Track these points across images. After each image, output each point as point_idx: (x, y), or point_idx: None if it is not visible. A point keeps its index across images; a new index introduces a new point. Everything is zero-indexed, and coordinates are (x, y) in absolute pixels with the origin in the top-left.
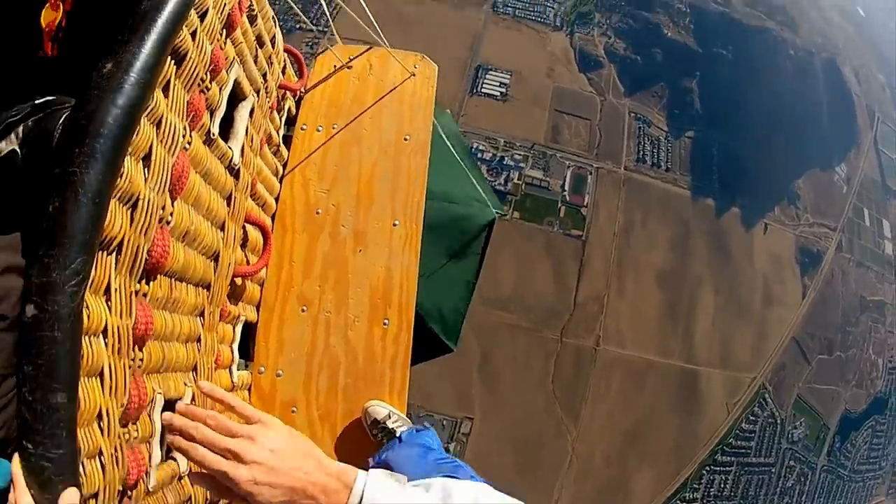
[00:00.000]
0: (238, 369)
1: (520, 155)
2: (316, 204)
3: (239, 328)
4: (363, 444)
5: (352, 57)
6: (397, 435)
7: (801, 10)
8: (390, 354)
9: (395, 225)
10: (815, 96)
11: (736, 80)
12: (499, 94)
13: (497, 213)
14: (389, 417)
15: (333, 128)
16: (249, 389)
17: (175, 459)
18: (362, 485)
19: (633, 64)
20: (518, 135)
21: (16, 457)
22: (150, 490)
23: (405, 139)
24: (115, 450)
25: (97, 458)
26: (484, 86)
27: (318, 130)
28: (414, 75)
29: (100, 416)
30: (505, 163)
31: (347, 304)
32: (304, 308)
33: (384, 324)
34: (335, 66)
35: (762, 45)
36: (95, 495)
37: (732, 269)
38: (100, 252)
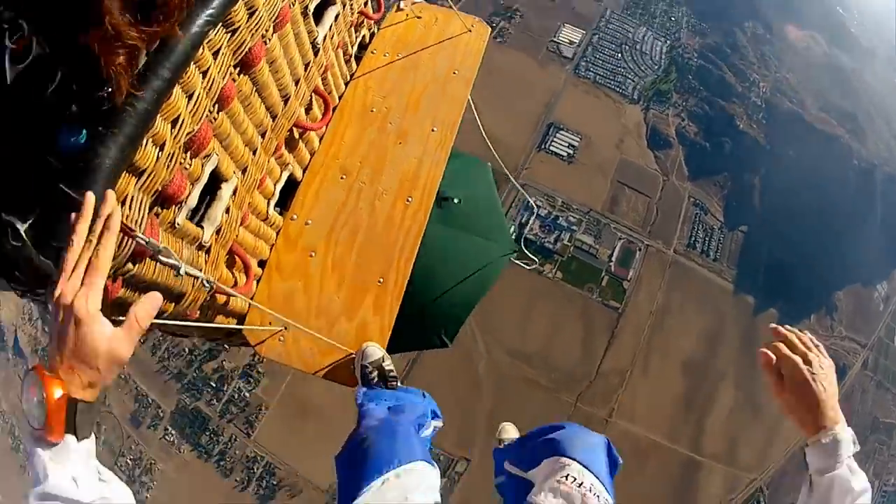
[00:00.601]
0: (273, 210)
1: (574, 218)
2: (371, 104)
3: (285, 175)
4: (358, 300)
5: (423, 11)
6: (389, 379)
7: (872, 120)
8: (407, 225)
9: (433, 130)
10: (871, 210)
11: (797, 182)
12: (566, 154)
13: (512, 251)
14: (384, 360)
15: (398, 56)
16: (279, 232)
17: (202, 228)
18: None
19: (701, 149)
20: (577, 198)
21: None
22: (176, 225)
23: (454, 73)
24: (171, 157)
25: (159, 148)
26: (553, 144)
27: (385, 56)
28: (470, 31)
29: (175, 122)
30: (559, 222)
31: (380, 180)
32: (343, 176)
33: (407, 200)
34: (408, 15)
35: (828, 151)
36: (143, 172)
37: (758, 370)
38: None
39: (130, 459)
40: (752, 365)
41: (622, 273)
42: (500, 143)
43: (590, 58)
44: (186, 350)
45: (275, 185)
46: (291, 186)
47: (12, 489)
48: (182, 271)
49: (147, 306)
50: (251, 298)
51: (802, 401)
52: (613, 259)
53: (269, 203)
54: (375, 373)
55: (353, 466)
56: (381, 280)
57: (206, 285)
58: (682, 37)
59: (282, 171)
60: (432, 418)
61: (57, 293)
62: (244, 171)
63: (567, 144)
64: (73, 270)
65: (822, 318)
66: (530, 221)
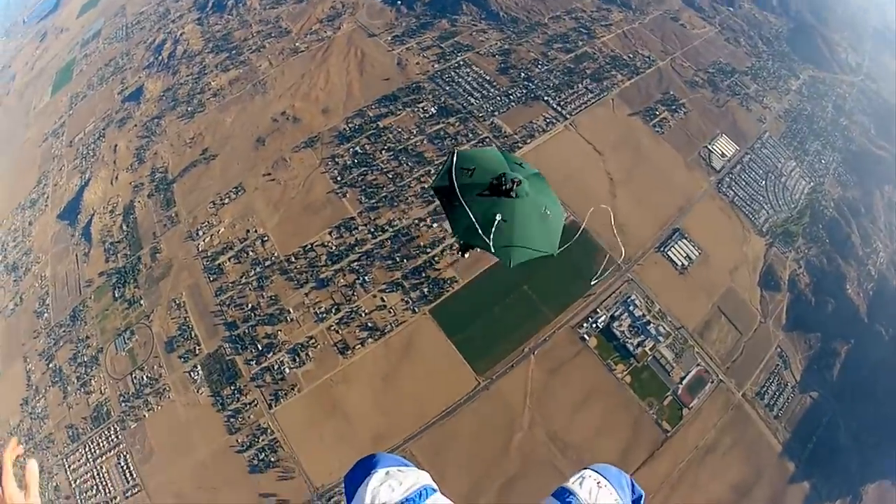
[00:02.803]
0: None
1: (664, 329)
2: None
3: None
4: None
5: None
6: None
7: None
8: None
9: None
10: None
11: (881, 362)
12: (681, 264)
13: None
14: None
15: None
16: None
17: None
18: None
19: (805, 303)
20: (674, 310)
21: None
22: None
23: None
24: None
25: None
26: (672, 249)
27: None
28: None
29: None
30: (648, 328)
31: None
32: None
33: None
34: None
35: None
36: None
37: None
38: None
39: (147, 376)
40: None
41: (687, 399)
42: (624, 230)
43: (735, 176)
44: (249, 306)
45: None
46: None
47: None
48: None
49: (31, 474)
50: None
51: None
52: (684, 382)
53: None
54: None
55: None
56: None
57: None
58: (826, 182)
59: None
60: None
61: None
62: None
63: (685, 255)
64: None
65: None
66: (623, 316)
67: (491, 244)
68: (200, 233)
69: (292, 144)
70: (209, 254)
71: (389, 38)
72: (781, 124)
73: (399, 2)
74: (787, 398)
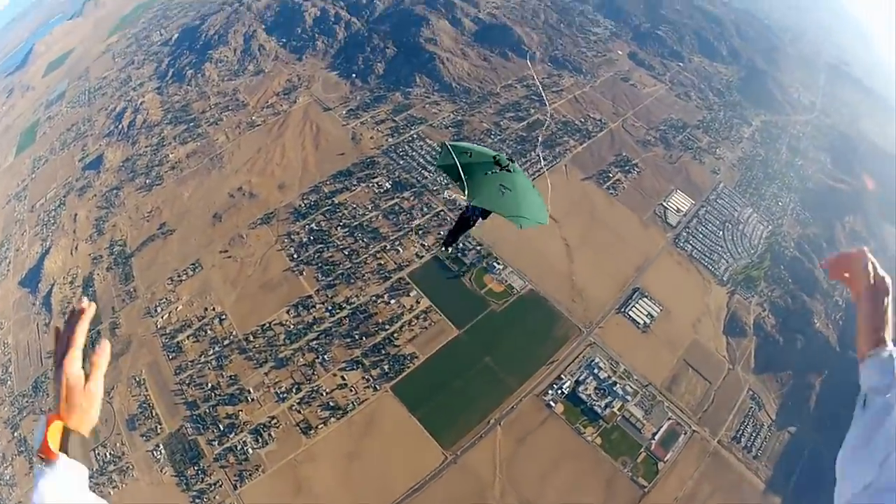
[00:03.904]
0: None
1: (631, 388)
2: None
3: None
4: None
5: None
6: None
7: None
8: None
9: None
10: None
11: (857, 390)
12: (642, 322)
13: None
14: None
15: None
16: None
17: None
18: None
19: (773, 344)
20: (640, 369)
21: None
22: None
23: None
24: None
25: None
26: (633, 309)
27: None
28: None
29: None
30: (615, 389)
31: None
32: None
33: None
34: None
35: None
36: None
37: None
38: None
39: (110, 454)
40: None
41: (660, 454)
42: (583, 295)
43: (692, 230)
44: (209, 385)
45: None
46: None
47: None
48: None
49: (101, 355)
50: None
51: (878, 309)
52: (656, 438)
53: None
54: None
55: None
56: None
57: None
58: (785, 224)
59: None
60: None
61: (55, 361)
62: None
63: (646, 313)
64: (64, 346)
65: None
66: (588, 380)
67: (503, 209)
68: (159, 309)
69: (249, 221)
70: (168, 331)
71: (344, 112)
72: (736, 173)
73: (354, 75)
74: (765, 437)
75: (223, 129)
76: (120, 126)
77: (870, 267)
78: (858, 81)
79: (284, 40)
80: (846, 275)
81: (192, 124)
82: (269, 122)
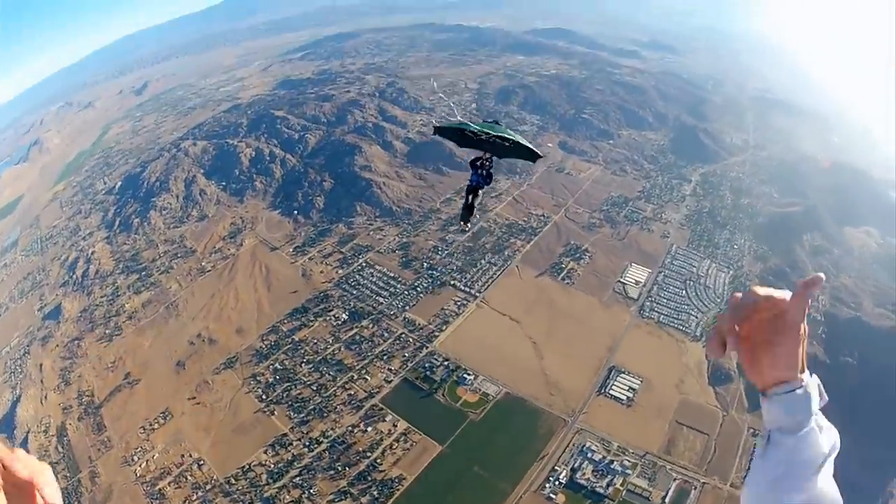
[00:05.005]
0: None
1: (629, 461)
2: None
3: None
4: None
5: None
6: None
7: None
8: None
9: None
10: None
11: (861, 386)
12: (625, 398)
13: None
14: None
15: None
16: None
17: None
18: None
19: None
20: (633, 441)
21: None
22: None
23: None
24: None
25: None
26: (613, 387)
27: None
28: None
29: None
30: (612, 466)
31: None
32: None
33: None
34: None
35: (889, 346)
36: None
37: None
38: None
39: None
40: None
41: None
42: (559, 387)
43: (655, 297)
44: None
45: None
46: None
47: None
48: None
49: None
50: None
51: (772, 340)
52: (667, 500)
53: None
54: None
55: None
56: None
57: None
58: (745, 264)
59: None
60: None
61: None
62: None
63: (627, 388)
64: None
65: None
66: (583, 465)
67: (502, 131)
68: (136, 458)
69: (212, 366)
70: (148, 479)
71: (291, 250)
72: (686, 231)
73: (296, 211)
74: None
75: (175, 277)
76: (74, 276)
77: (776, 294)
78: (784, 103)
79: (224, 183)
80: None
81: (143, 273)
82: (219, 266)
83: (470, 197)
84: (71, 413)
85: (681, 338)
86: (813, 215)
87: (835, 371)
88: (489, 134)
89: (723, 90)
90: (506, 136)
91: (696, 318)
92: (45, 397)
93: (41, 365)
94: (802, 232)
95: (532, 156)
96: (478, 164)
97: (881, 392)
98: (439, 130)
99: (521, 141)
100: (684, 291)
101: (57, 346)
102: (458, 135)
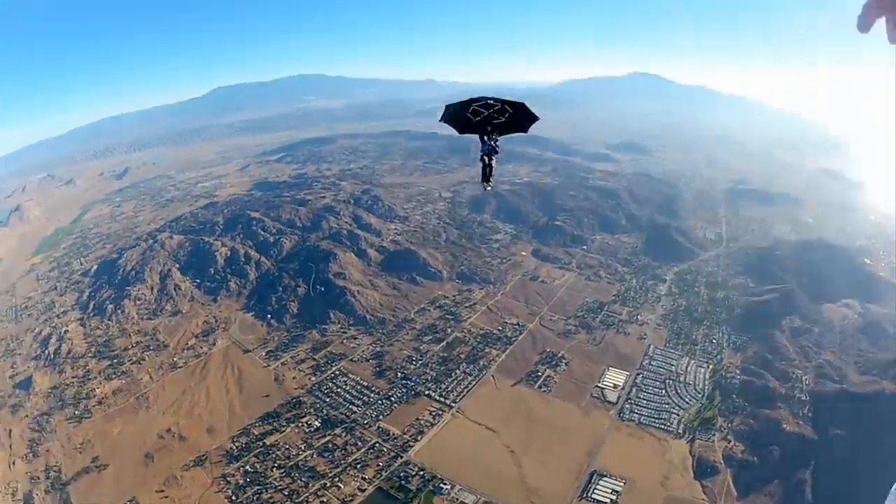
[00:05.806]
0: None
1: None
2: None
3: None
4: None
5: None
6: None
7: None
8: None
9: None
10: None
11: (851, 460)
12: (609, 500)
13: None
14: None
15: None
16: None
17: None
18: None
19: (749, 466)
20: None
21: None
22: None
23: None
24: None
25: None
26: (595, 491)
27: None
28: None
29: None
30: None
31: None
32: None
33: None
34: None
35: (875, 410)
36: None
37: None
38: None
39: None
40: None
41: None
42: (540, 494)
43: (634, 399)
44: None
45: None
46: None
47: None
48: None
49: None
50: None
51: None
52: None
53: None
54: None
55: None
56: None
57: None
58: (724, 356)
59: None
60: None
61: None
62: None
63: (610, 490)
64: None
65: None
66: None
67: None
68: None
69: (181, 463)
70: None
71: (264, 353)
72: (663, 331)
73: (269, 315)
74: None
75: (146, 369)
76: (46, 351)
77: None
78: (756, 192)
79: (199, 280)
80: None
81: (115, 361)
82: (191, 363)
83: (485, 160)
84: (38, 484)
85: (663, 437)
86: (790, 299)
87: (824, 446)
88: (497, 99)
89: (694, 185)
90: (509, 100)
91: (678, 415)
92: (14, 463)
93: (10, 431)
94: (780, 317)
95: (531, 118)
96: (484, 138)
97: (877, 453)
98: (447, 112)
99: (523, 103)
100: (664, 391)
101: (27, 416)
102: (463, 117)
